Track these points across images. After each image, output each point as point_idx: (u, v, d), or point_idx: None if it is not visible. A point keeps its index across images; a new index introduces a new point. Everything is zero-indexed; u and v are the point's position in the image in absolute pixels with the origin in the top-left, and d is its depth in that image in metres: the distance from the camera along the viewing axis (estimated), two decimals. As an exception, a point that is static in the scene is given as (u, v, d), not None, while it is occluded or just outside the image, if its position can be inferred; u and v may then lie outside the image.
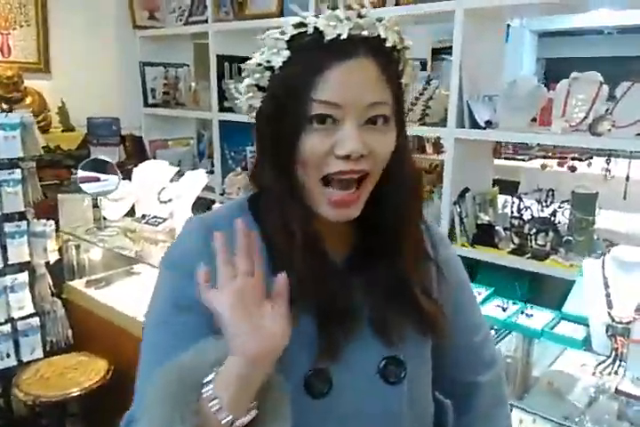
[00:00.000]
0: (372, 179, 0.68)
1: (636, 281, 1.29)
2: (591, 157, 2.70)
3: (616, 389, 1.14)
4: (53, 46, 3.13)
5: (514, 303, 1.52)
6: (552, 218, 1.98)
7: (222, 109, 2.84)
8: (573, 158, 2.79)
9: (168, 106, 3.26)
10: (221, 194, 2.81)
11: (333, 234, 0.72)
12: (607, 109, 1.80)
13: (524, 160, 3.21)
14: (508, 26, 4.70)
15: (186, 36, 3.22)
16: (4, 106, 2.79)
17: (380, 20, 0.66)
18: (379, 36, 0.65)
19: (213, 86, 2.87)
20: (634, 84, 1.80)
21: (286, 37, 0.66)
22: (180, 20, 3.08)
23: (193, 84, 3.23)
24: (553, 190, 2.01)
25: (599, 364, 1.25)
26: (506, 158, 3.16)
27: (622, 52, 4.34)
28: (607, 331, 1.27)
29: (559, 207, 1.97)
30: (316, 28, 0.65)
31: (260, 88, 0.70)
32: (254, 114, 0.73)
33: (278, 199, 0.69)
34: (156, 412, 0.58)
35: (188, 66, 3.43)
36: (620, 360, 1.21)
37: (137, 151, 3.23)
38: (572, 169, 2.48)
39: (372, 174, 0.67)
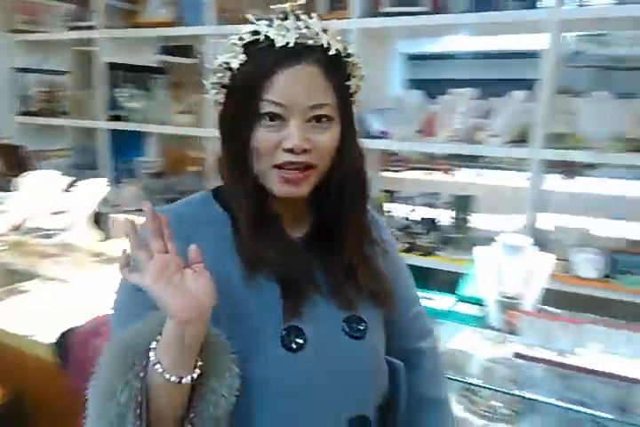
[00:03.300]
0: (318, 170, 0.76)
1: (520, 261, 1.52)
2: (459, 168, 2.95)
3: (516, 353, 1.32)
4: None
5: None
6: (436, 219, 2.22)
7: (112, 119, 2.78)
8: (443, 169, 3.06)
9: (47, 114, 3.08)
10: (114, 206, 2.72)
11: (291, 216, 0.82)
12: (483, 121, 2.06)
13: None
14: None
15: (67, 43, 3.07)
16: None
17: (324, 30, 0.75)
18: (322, 44, 0.74)
19: (101, 95, 2.80)
20: (503, 99, 2.04)
21: (242, 43, 0.75)
22: (62, 26, 2.95)
23: (75, 93, 3.10)
24: (438, 193, 2.24)
25: (495, 335, 1.45)
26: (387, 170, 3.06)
27: (480, 75, 4.53)
28: (500, 306, 1.48)
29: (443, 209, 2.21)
30: (267, 36, 0.73)
31: (223, 86, 0.77)
32: (220, 109, 0.80)
33: (237, 185, 0.77)
34: (98, 385, 0.65)
35: (69, 73, 3.25)
36: (514, 331, 1.42)
37: (15, 162, 2.97)
38: (448, 173, 2.69)
39: (318, 166, 0.75)
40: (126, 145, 2.91)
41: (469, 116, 2.07)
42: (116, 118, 2.78)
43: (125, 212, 2.64)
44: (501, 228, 2.04)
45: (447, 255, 2.13)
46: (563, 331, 1.28)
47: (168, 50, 3.22)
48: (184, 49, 3.40)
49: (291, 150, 0.72)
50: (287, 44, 0.72)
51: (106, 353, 0.67)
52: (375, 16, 2.10)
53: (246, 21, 0.77)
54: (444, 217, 2.26)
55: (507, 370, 1.34)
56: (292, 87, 0.72)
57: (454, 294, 1.67)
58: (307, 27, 0.74)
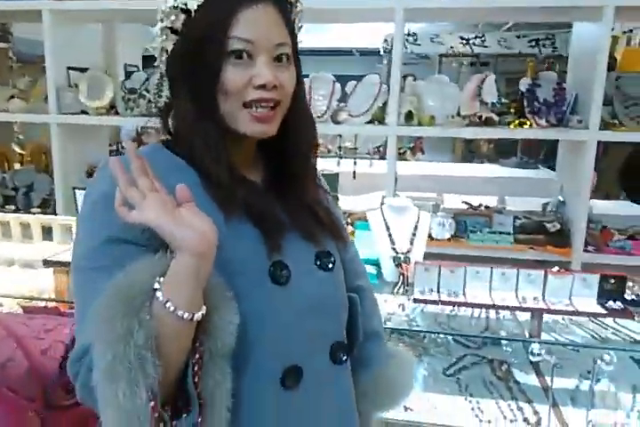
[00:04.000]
0: (283, 107, 0.78)
1: (406, 220, 1.67)
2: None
3: (414, 299, 1.44)
4: None
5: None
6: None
7: None
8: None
9: None
10: None
11: (247, 163, 0.83)
12: (343, 104, 2.21)
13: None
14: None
15: None
16: None
17: None
18: None
19: None
20: (358, 83, 2.19)
21: None
22: None
23: None
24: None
25: (394, 288, 1.58)
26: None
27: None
28: (394, 261, 1.61)
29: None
30: None
31: (173, 31, 0.75)
32: (165, 57, 0.77)
33: (206, 128, 0.75)
34: (108, 327, 0.60)
35: None
36: (408, 281, 1.56)
37: None
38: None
39: (283, 103, 0.77)
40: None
41: (331, 99, 2.20)
42: None
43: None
44: (366, 206, 2.21)
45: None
46: (451, 275, 1.44)
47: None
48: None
49: (263, 86, 0.73)
50: None
51: (106, 297, 0.61)
52: None
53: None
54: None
55: (404, 316, 1.48)
56: (256, 25, 0.73)
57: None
58: None
